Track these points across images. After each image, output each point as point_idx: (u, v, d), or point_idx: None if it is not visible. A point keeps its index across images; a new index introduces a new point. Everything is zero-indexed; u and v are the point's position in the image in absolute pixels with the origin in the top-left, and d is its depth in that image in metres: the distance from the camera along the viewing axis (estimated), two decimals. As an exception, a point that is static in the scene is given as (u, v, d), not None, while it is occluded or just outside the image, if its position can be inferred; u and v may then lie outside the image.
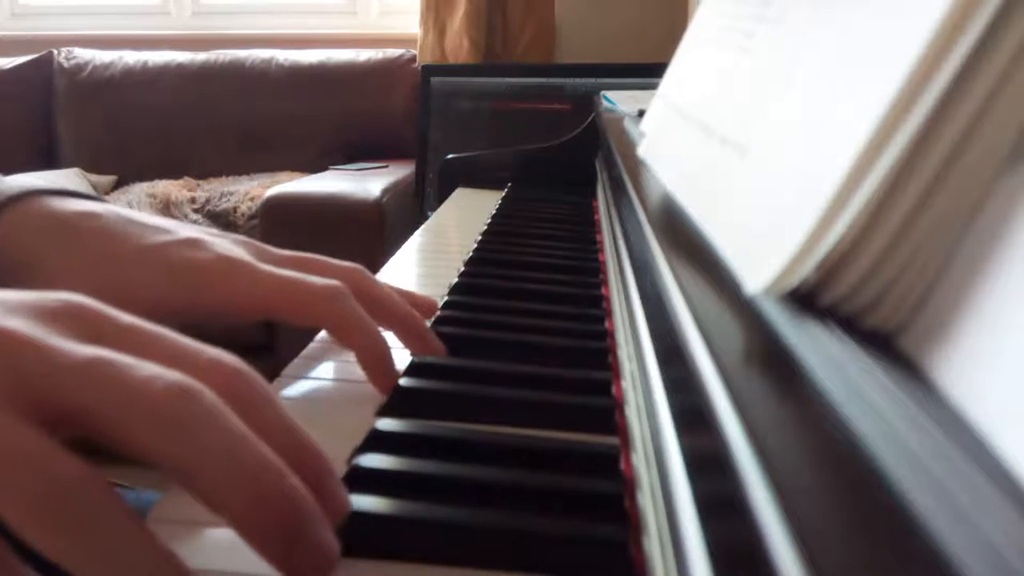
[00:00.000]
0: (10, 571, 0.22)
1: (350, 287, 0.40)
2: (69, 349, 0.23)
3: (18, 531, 0.21)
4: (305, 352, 0.46)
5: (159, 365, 0.24)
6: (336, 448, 0.32)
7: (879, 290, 0.22)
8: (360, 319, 0.39)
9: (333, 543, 0.24)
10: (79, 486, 0.21)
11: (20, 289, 0.26)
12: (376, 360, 0.40)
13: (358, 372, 0.42)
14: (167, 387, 0.23)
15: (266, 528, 0.23)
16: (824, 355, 0.21)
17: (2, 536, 0.21)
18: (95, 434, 0.23)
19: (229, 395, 0.24)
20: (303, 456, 0.26)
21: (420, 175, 1.94)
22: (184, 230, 0.41)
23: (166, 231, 0.41)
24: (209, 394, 0.23)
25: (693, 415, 0.24)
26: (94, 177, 2.27)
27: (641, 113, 0.82)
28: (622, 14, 2.24)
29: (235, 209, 1.95)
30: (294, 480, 0.24)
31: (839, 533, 0.15)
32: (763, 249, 0.25)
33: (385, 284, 0.45)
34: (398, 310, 0.43)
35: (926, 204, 0.21)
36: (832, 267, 0.23)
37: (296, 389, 0.41)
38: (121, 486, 0.69)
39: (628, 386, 0.39)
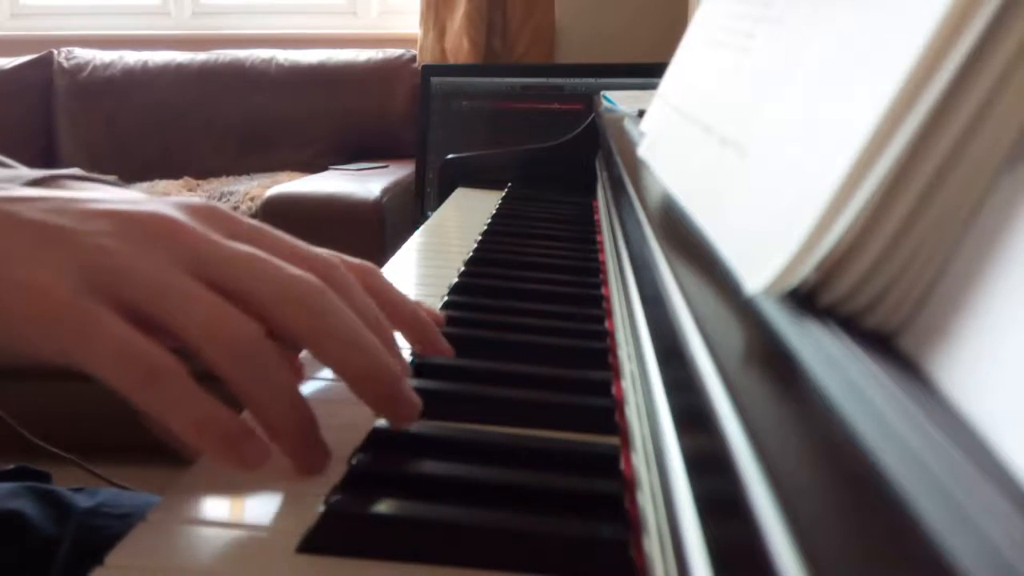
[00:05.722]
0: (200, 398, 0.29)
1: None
2: (229, 245, 0.31)
3: (221, 371, 0.28)
4: (306, 352, 0.46)
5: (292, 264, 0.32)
6: (336, 448, 0.32)
7: (879, 290, 0.22)
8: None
9: (416, 400, 0.33)
10: (261, 342, 0.29)
11: None
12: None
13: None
14: (308, 285, 0.31)
15: (367, 391, 0.32)
16: (824, 355, 0.21)
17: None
18: (241, 307, 0.30)
19: (336, 286, 0.32)
20: (379, 332, 0.34)
21: (420, 175, 1.94)
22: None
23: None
24: (333, 293, 0.32)
25: (693, 415, 0.24)
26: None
27: (641, 113, 0.82)
28: (622, 14, 2.24)
29: (235, 209, 1.95)
30: (389, 358, 0.32)
31: (839, 533, 0.15)
32: (763, 249, 0.25)
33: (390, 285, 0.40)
34: (407, 308, 0.40)
35: (926, 204, 0.21)
36: (832, 267, 0.23)
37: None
38: (123, 487, 0.69)
39: (628, 386, 0.39)
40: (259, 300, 0.30)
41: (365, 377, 0.32)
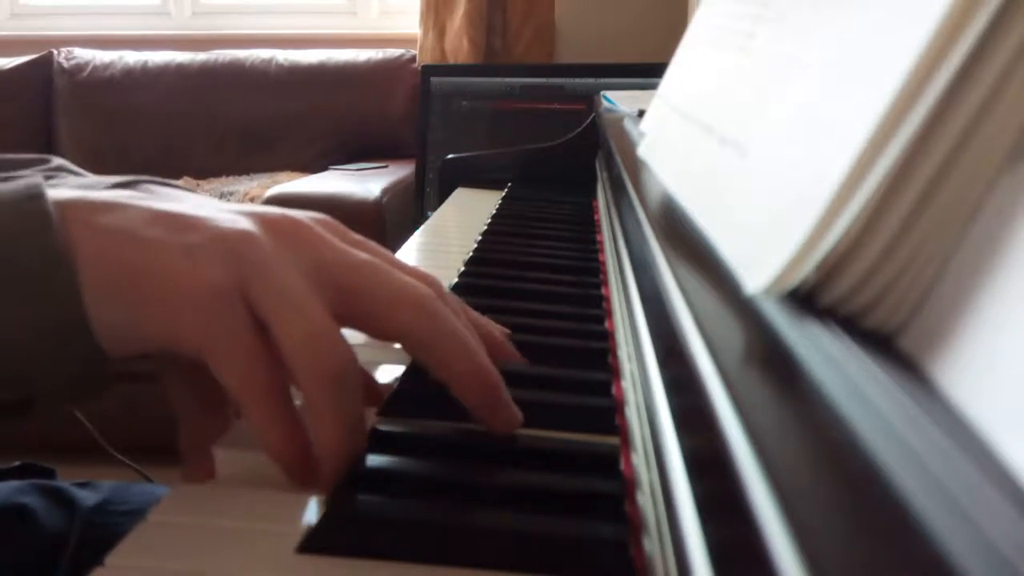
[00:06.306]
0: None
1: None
2: (350, 251, 0.33)
3: (306, 386, 0.29)
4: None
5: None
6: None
7: (879, 290, 0.22)
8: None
9: (516, 409, 0.34)
10: (351, 362, 0.30)
11: None
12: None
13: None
14: (422, 289, 0.32)
15: (474, 391, 0.33)
16: (824, 355, 0.21)
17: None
18: (359, 309, 0.32)
19: (439, 295, 0.33)
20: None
21: (420, 175, 1.93)
22: None
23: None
24: (442, 303, 0.33)
25: (693, 415, 0.24)
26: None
27: (641, 113, 0.82)
28: (622, 14, 2.24)
29: (235, 209, 1.95)
30: (492, 363, 0.33)
31: (839, 533, 0.15)
32: (763, 249, 0.25)
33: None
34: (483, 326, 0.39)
35: (926, 204, 0.21)
36: (832, 267, 0.23)
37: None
38: (143, 475, 0.69)
39: (628, 386, 0.39)
40: (377, 301, 0.32)
41: (471, 376, 0.33)
